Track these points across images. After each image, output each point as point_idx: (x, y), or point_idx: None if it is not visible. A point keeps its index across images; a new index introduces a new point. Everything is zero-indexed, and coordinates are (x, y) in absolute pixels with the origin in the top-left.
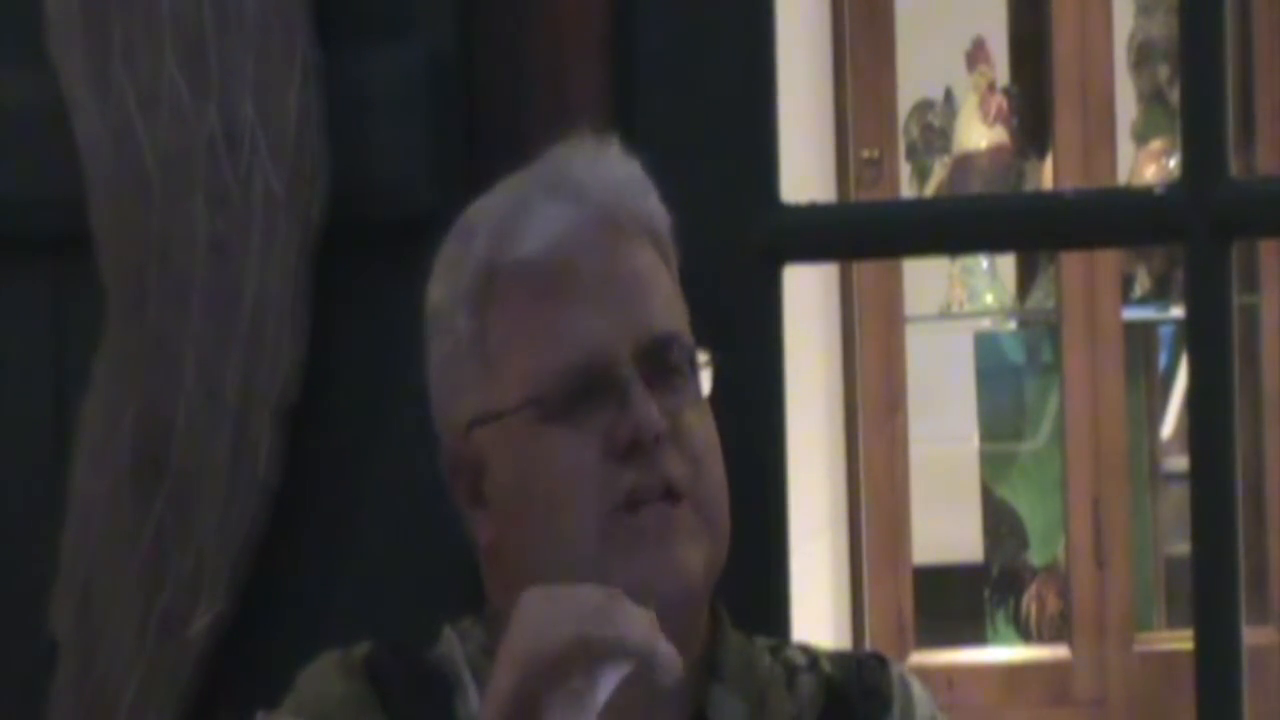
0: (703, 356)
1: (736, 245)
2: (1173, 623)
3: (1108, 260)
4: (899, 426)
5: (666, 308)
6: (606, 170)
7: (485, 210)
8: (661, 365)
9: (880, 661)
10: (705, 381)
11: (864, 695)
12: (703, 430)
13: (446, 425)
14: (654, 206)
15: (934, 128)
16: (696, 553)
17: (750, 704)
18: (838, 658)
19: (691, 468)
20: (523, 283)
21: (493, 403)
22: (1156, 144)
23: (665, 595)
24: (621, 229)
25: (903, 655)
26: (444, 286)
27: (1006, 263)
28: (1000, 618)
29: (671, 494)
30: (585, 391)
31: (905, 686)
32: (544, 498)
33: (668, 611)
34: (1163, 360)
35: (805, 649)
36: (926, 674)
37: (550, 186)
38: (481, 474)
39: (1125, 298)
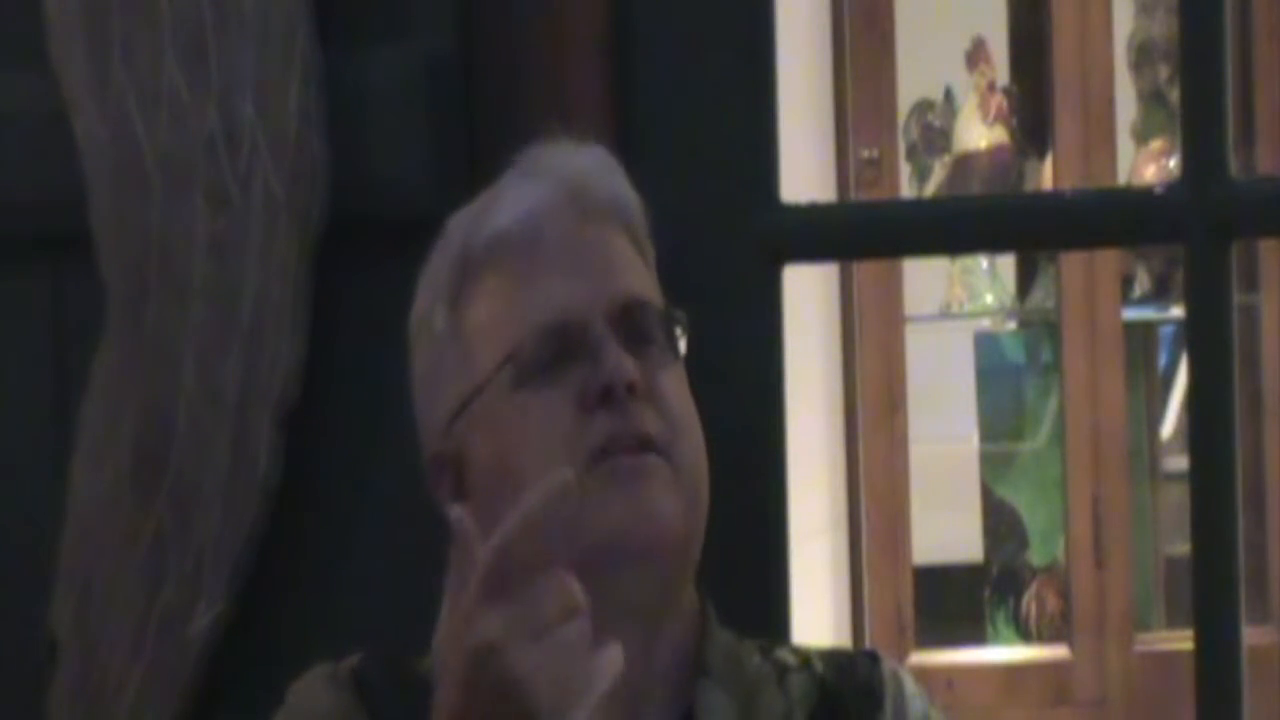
0: (678, 325)
1: (736, 245)
2: (1173, 623)
3: (1108, 260)
4: (899, 426)
5: (638, 279)
6: (577, 156)
7: (461, 213)
8: (635, 330)
9: (872, 659)
10: (680, 346)
11: (856, 693)
12: (679, 396)
13: (429, 432)
14: (624, 190)
15: (934, 128)
16: (672, 501)
17: (739, 702)
18: (830, 656)
19: (667, 428)
20: (494, 259)
21: (471, 380)
22: (1156, 144)
23: (642, 539)
24: (591, 207)
25: (903, 655)
26: (425, 294)
27: (1006, 263)
28: (1000, 618)
29: (646, 446)
30: (559, 353)
31: (898, 683)
32: (520, 461)
33: (646, 558)
34: (1163, 360)
35: (796, 649)
36: (926, 674)
37: (522, 172)
38: (463, 468)
39: (1125, 298)
